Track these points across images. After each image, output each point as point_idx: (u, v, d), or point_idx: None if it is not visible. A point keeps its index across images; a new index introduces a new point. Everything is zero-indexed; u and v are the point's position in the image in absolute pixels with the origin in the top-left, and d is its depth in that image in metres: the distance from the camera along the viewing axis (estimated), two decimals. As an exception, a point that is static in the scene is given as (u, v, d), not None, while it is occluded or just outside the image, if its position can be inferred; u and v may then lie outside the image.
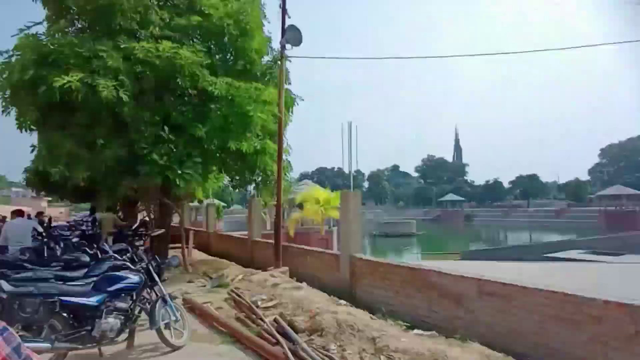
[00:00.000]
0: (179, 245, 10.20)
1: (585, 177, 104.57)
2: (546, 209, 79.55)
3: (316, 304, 5.60)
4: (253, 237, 11.48)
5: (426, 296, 5.68)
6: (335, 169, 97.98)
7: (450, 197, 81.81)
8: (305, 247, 9.76)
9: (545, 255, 21.89)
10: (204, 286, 7.94)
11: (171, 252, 9.28)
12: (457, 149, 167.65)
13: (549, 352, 4.12)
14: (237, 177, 10.27)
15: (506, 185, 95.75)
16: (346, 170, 51.44)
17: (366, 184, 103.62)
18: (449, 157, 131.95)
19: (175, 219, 13.16)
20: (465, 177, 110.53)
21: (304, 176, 75.27)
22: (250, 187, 12.80)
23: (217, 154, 8.69)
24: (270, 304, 6.06)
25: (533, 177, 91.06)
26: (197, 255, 12.78)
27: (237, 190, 20.42)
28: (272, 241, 9.40)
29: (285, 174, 10.17)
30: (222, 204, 25.44)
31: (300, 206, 20.63)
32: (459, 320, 5.11)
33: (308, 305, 5.56)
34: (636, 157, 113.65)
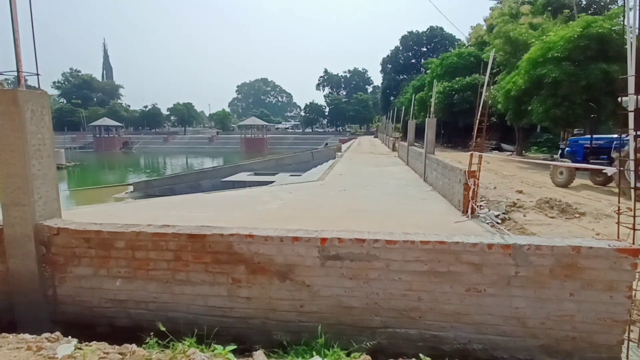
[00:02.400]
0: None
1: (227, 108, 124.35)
2: (201, 136, 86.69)
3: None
4: None
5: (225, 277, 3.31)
6: None
7: (105, 121, 71.64)
8: None
9: (222, 180, 22.94)
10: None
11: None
12: (107, 67, 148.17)
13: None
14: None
15: (164, 112, 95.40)
16: None
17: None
18: (98, 76, 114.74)
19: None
20: (120, 100, 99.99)
21: None
22: None
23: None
24: None
25: (189, 106, 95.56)
26: None
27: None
28: None
29: None
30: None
31: None
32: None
33: None
34: (259, 95, 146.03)
